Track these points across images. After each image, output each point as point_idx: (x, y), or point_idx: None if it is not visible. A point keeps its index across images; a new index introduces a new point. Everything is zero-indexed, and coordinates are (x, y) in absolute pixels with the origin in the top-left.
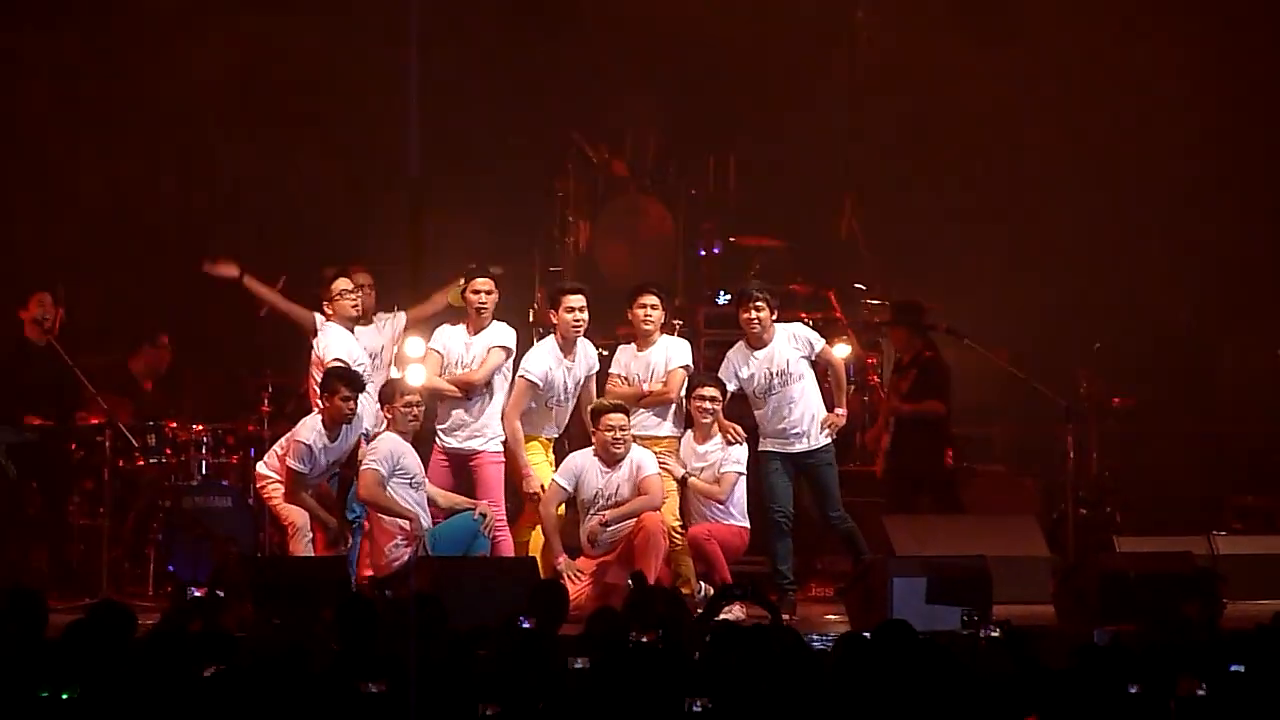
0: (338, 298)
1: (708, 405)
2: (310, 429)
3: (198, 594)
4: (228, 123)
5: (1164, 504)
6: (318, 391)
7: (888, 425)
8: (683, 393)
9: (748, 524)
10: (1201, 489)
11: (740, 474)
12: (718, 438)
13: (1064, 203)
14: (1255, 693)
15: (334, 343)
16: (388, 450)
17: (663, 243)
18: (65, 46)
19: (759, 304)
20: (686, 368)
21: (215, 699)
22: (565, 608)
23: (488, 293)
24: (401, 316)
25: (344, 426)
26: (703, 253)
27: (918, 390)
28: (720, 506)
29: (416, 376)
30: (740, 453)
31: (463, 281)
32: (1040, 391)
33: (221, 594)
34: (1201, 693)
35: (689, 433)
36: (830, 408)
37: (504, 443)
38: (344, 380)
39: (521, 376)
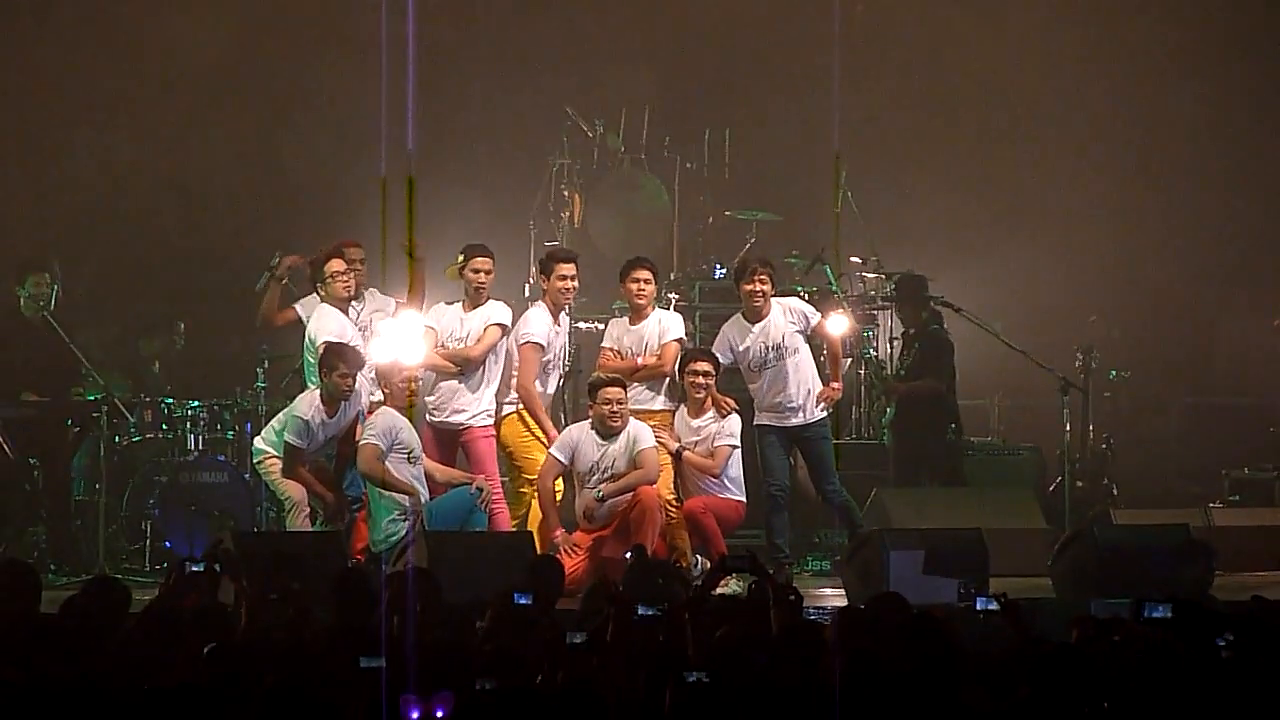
0: (330, 279)
1: (701, 380)
2: (308, 405)
3: (196, 569)
4: (220, 97)
5: (1161, 476)
6: (316, 368)
7: (889, 399)
8: (677, 366)
9: (743, 497)
10: (1198, 461)
11: (734, 448)
12: (711, 412)
13: (1060, 172)
14: (1244, 665)
15: (325, 325)
16: (386, 425)
17: (657, 216)
18: (55, 23)
19: (762, 276)
20: (680, 341)
21: (212, 675)
22: (561, 582)
23: (486, 272)
24: (393, 303)
25: (342, 403)
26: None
27: (916, 366)
28: (715, 480)
29: (415, 354)
30: (734, 426)
31: (460, 258)
32: (1036, 363)
33: (217, 569)
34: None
35: (682, 407)
36: (826, 381)
37: (496, 415)
38: (343, 357)
39: (527, 342)
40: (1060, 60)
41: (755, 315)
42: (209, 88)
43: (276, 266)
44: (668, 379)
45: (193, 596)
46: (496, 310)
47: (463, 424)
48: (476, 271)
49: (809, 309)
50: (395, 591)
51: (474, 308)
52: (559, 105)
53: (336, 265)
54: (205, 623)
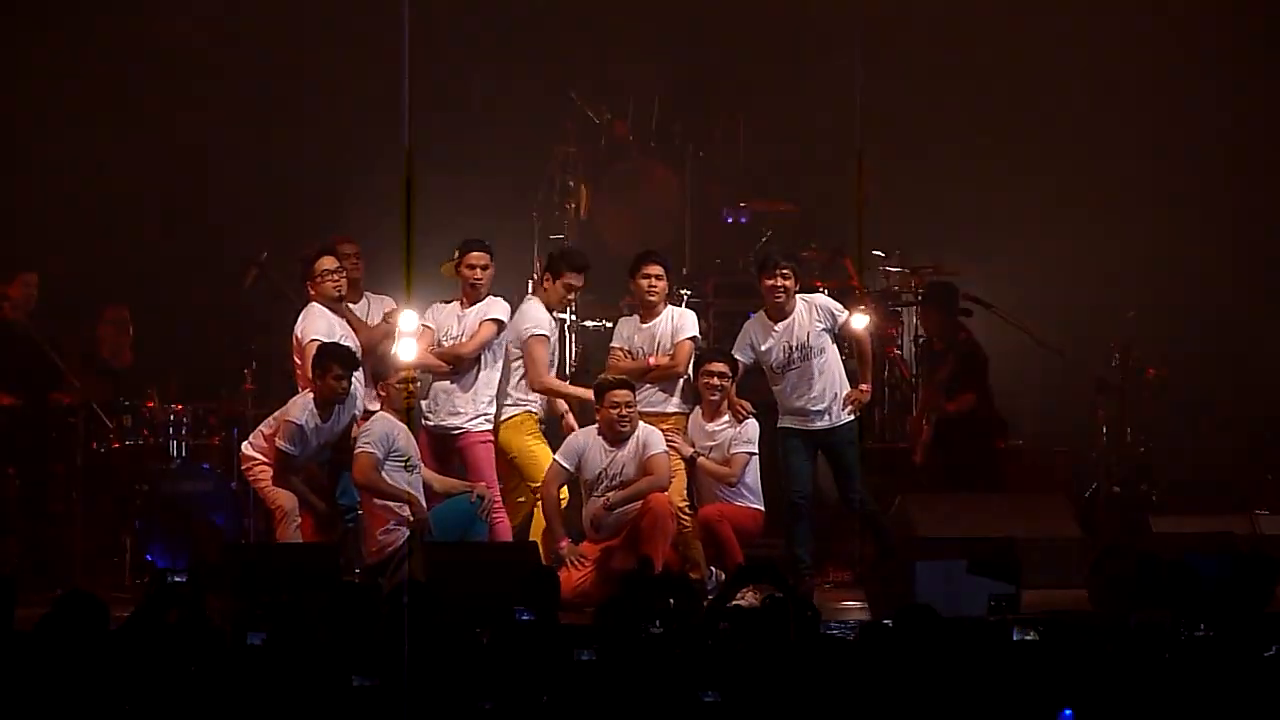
0: (320, 279)
1: (715, 382)
2: (301, 409)
3: (178, 579)
4: (209, 85)
5: (1203, 481)
6: (308, 371)
7: (928, 418)
8: (690, 367)
9: (762, 506)
10: (1243, 464)
11: (752, 454)
12: (727, 416)
13: (1095, 163)
14: None
15: (313, 325)
16: (382, 432)
17: (668, 208)
18: (37, 18)
19: (785, 271)
20: (694, 340)
21: (198, 694)
22: (558, 595)
23: (483, 268)
24: (390, 303)
25: (336, 407)
26: (729, 219)
27: (957, 381)
28: (731, 488)
29: (408, 352)
30: (752, 431)
31: (456, 254)
32: (1071, 362)
33: (202, 583)
34: None
35: (697, 410)
36: (854, 383)
37: (496, 419)
38: (337, 359)
39: (531, 336)
40: (1095, 48)
41: (778, 313)
42: (196, 79)
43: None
44: (681, 381)
45: (175, 611)
46: (494, 306)
47: (458, 428)
48: (472, 268)
49: (836, 306)
50: (392, 606)
51: (471, 304)
52: (565, 91)
53: (327, 263)
54: (188, 639)
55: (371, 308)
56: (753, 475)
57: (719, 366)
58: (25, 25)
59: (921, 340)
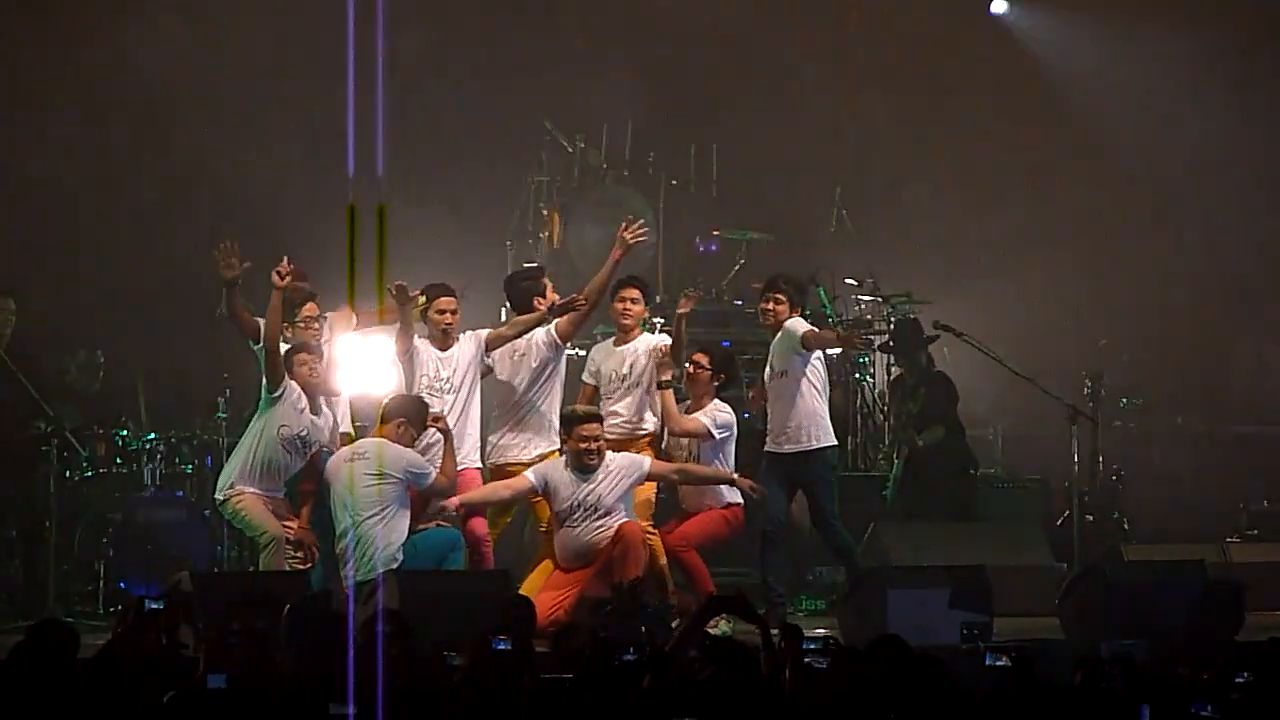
0: (303, 325)
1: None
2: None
3: (155, 606)
4: (179, 111)
5: (1174, 510)
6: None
7: (898, 452)
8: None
9: (739, 500)
10: (1214, 493)
11: (722, 434)
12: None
13: (1066, 192)
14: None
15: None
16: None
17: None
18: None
19: (779, 296)
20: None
21: None
22: (533, 622)
23: (452, 312)
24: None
25: (310, 419)
26: (702, 249)
27: (929, 412)
28: (713, 490)
29: (385, 380)
30: (726, 417)
31: (422, 300)
32: (1044, 391)
33: (178, 611)
34: None
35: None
36: (831, 410)
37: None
38: (303, 348)
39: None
40: (1065, 76)
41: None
42: (169, 102)
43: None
44: (647, 399)
45: (150, 637)
46: (469, 341)
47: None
48: (442, 312)
49: (799, 328)
50: (365, 634)
51: (445, 348)
52: (537, 119)
53: (311, 309)
54: (162, 667)
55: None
56: (728, 456)
57: (701, 357)
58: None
59: (892, 372)
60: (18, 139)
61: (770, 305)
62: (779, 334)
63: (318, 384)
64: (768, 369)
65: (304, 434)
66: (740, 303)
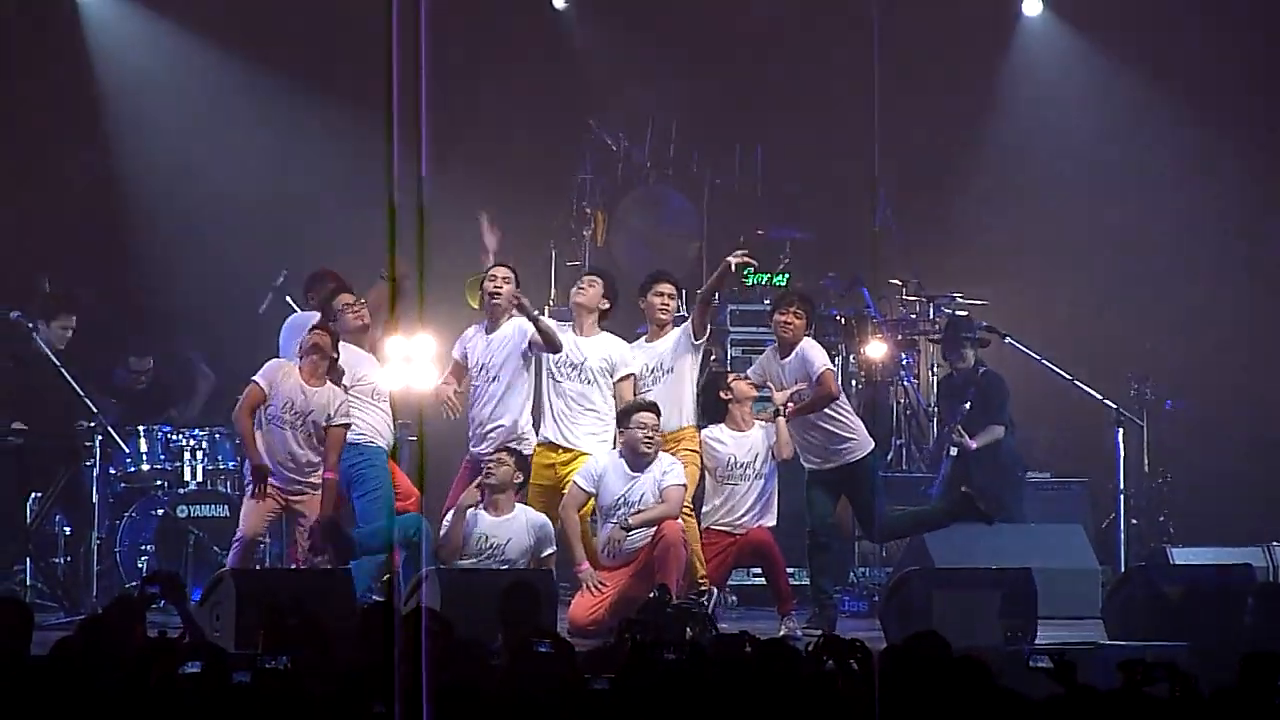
0: (341, 312)
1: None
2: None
3: (152, 589)
4: (226, 112)
5: (1221, 513)
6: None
7: (946, 452)
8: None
9: (768, 521)
10: (1260, 497)
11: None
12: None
13: (1111, 190)
14: None
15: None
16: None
17: (685, 235)
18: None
19: (799, 311)
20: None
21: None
22: (538, 611)
23: (504, 279)
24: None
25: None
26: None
27: (978, 413)
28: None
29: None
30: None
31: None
32: (1089, 393)
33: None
34: None
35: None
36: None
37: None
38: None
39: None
40: (1111, 76)
41: (785, 350)
42: (211, 102)
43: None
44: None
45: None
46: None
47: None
48: (493, 279)
49: (818, 358)
50: (408, 632)
51: (494, 328)
52: (581, 119)
53: (346, 298)
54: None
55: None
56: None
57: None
58: (33, 46)
59: (940, 373)
60: (67, 141)
61: (789, 319)
62: (792, 354)
63: (366, 328)
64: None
65: (291, 405)
66: None
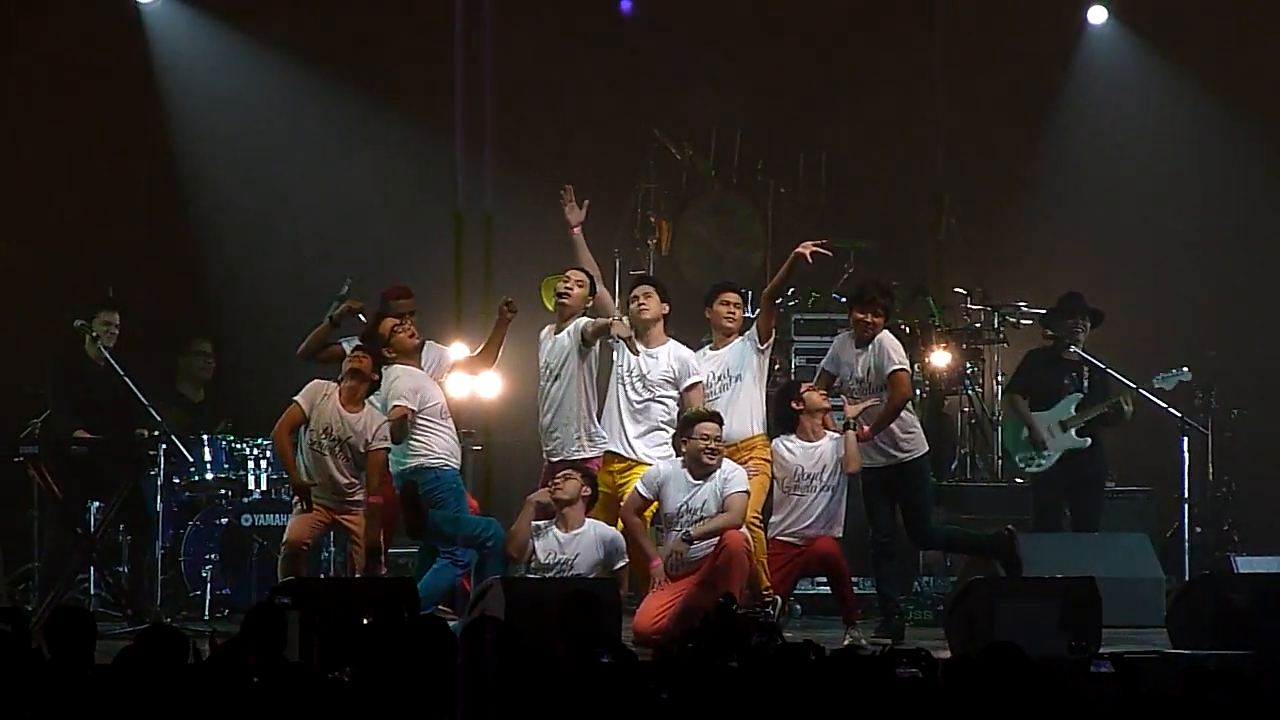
0: (392, 335)
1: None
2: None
3: (285, 601)
4: (287, 122)
5: None
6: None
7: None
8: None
9: (834, 532)
10: None
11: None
12: (827, 434)
13: (1178, 197)
14: None
15: (400, 386)
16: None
17: (750, 244)
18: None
19: (880, 310)
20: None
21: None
22: (596, 617)
23: (577, 282)
24: (449, 358)
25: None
26: None
27: (1095, 403)
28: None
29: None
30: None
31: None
32: (1154, 401)
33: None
34: None
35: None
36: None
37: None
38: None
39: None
40: (1177, 85)
41: (860, 342)
42: (271, 111)
43: (337, 307)
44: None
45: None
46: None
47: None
48: (566, 279)
49: (894, 352)
50: (472, 642)
51: (559, 330)
52: (645, 127)
53: (389, 324)
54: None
55: (430, 355)
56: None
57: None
58: (91, 50)
59: (1001, 375)
60: (128, 147)
61: (868, 317)
62: (869, 347)
63: (420, 346)
64: (851, 373)
65: (329, 430)
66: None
